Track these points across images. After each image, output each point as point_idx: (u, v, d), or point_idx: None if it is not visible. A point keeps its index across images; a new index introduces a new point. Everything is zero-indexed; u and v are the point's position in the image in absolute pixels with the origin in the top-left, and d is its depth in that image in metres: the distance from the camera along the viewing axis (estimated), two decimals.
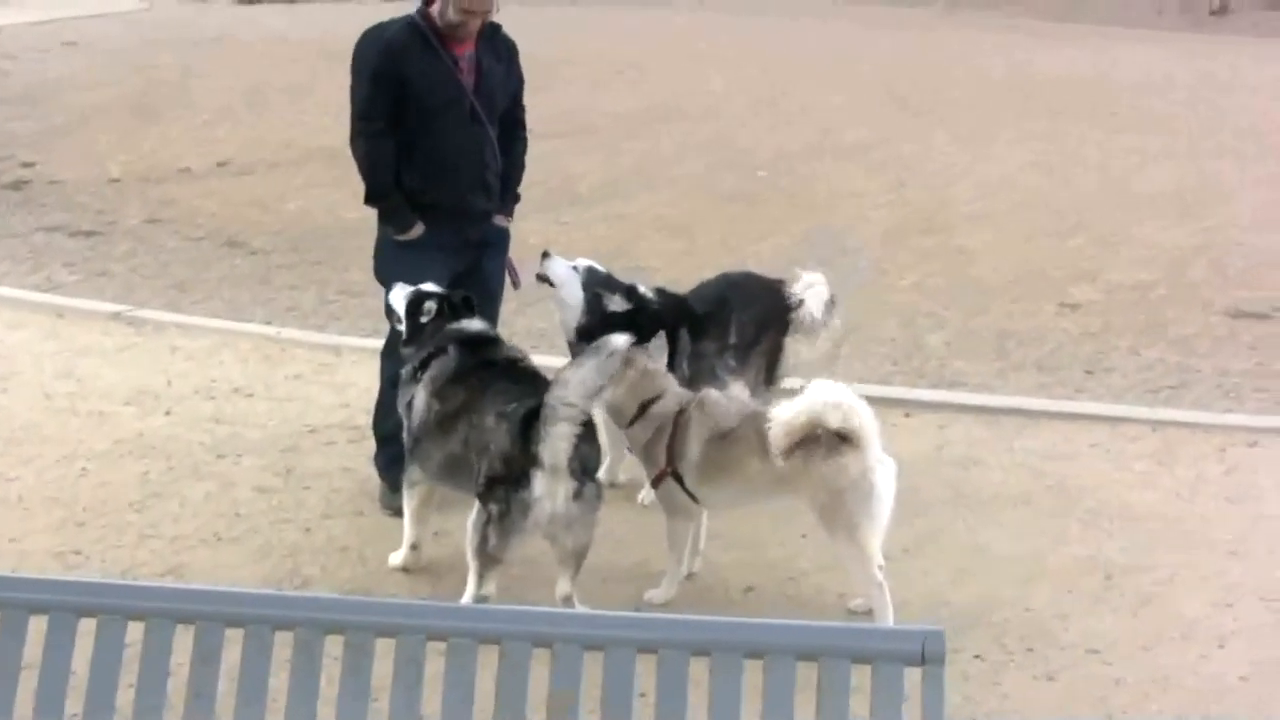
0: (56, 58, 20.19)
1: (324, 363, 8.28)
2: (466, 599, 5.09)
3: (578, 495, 5.00)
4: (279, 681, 2.96)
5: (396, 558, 5.68)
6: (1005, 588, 5.54)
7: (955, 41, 20.85)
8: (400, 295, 5.73)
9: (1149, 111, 15.40)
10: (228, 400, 7.62)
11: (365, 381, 7.05)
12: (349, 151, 6.18)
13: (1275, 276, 9.92)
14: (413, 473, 5.59)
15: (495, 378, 5.34)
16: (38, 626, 3.05)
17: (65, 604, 3.07)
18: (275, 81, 17.26)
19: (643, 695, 2.85)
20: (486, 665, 2.90)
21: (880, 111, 15.70)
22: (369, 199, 6.16)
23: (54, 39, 21.79)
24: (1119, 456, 6.93)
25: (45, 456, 6.81)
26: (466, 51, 6.03)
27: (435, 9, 5.92)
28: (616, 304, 6.19)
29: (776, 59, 18.92)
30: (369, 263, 6.39)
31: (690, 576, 5.56)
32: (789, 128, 14.93)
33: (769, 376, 6.54)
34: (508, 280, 6.45)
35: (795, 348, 6.54)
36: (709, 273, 6.84)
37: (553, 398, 4.86)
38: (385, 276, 6.12)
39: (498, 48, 6.17)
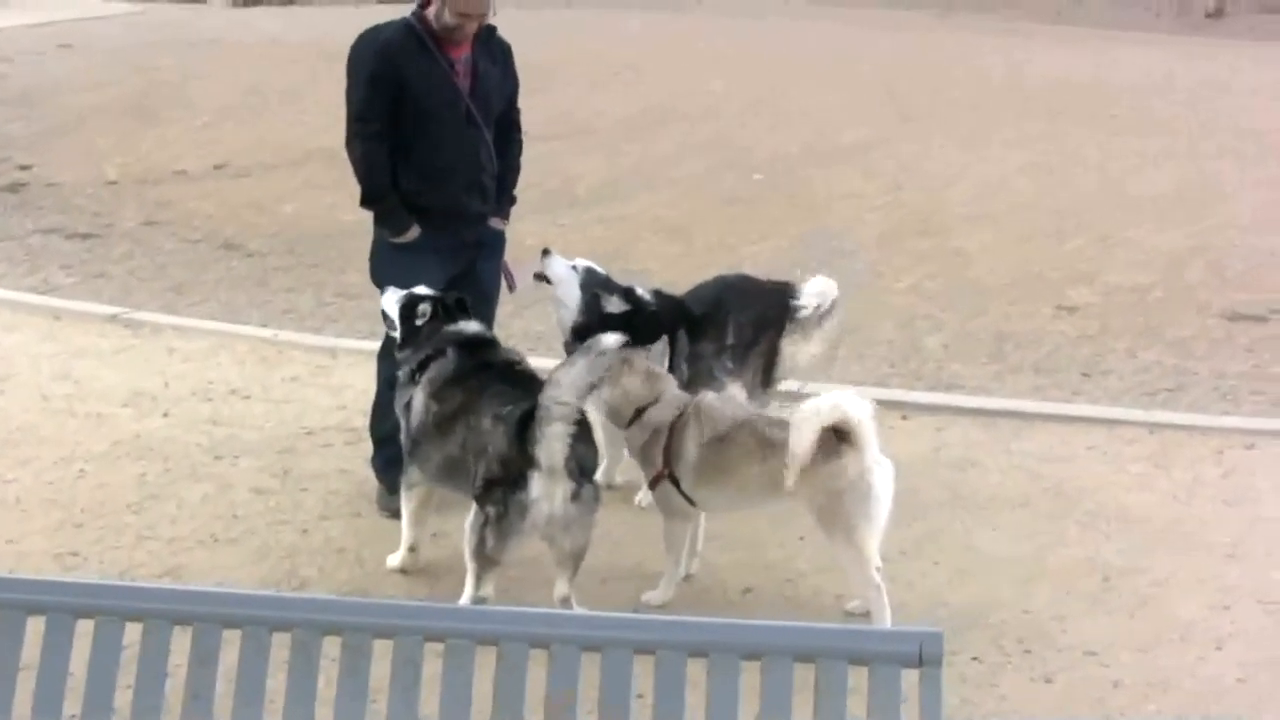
0: (52, 60, 20.18)
1: (321, 365, 8.28)
2: (464, 600, 5.09)
3: (575, 497, 5.01)
4: (277, 683, 2.96)
5: (394, 559, 5.68)
6: (1003, 590, 5.55)
7: (952, 43, 20.85)
8: (393, 299, 5.74)
9: (1147, 113, 15.40)
10: (225, 402, 7.62)
11: (362, 383, 7.05)
12: (345, 154, 6.18)
13: (1273, 279, 9.92)
14: (411, 474, 5.59)
15: (493, 380, 5.35)
16: (35, 627, 3.05)
17: (63, 605, 3.07)
18: (272, 84, 17.24)
19: (640, 696, 2.86)
20: (484, 666, 2.91)
21: (878, 113, 15.70)
22: (365, 201, 6.16)
23: (50, 41, 21.78)
24: (1116, 459, 6.93)
25: (43, 458, 6.81)
26: (462, 54, 6.02)
27: (431, 12, 5.92)
28: (614, 305, 6.20)
29: (774, 61, 18.91)
30: (366, 265, 6.39)
31: (688, 578, 5.56)
32: (787, 129, 14.92)
33: (766, 378, 6.54)
34: (503, 283, 6.45)
35: (792, 349, 6.53)
36: (706, 275, 6.84)
37: (546, 398, 4.87)
38: (381, 279, 6.12)
39: (493, 50, 6.16)
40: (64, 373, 8.06)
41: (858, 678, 2.79)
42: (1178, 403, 7.85)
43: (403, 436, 5.63)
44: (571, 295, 6.26)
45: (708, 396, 5.55)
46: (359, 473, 6.52)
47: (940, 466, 6.79)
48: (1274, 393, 7.96)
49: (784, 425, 5.10)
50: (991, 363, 8.53)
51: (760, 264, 7.04)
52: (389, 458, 6.03)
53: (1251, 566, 5.79)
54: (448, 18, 5.85)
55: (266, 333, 8.94)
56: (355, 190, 6.17)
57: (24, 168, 14.01)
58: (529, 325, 8.78)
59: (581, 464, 5.04)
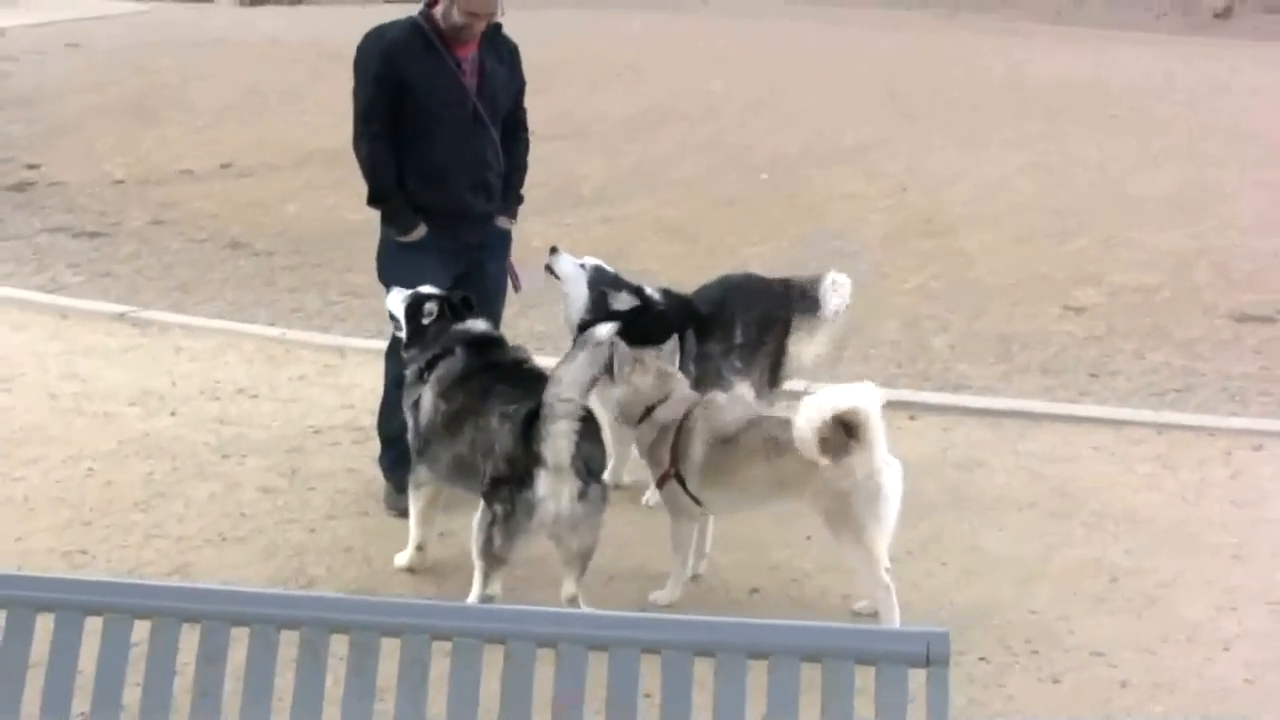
0: (59, 59, 20.22)
1: (329, 364, 8.29)
2: (472, 599, 5.10)
3: (583, 496, 5.00)
4: (284, 681, 2.96)
5: (402, 558, 5.69)
6: (1010, 590, 5.55)
7: (953, 44, 20.86)
8: (398, 299, 5.74)
9: (1147, 114, 15.40)
10: (232, 401, 7.63)
11: (370, 382, 7.06)
12: (351, 153, 6.18)
13: (1279, 280, 9.92)
14: (419, 473, 5.59)
15: (501, 378, 5.35)
16: (44, 625, 3.06)
17: (72, 603, 3.08)
18: (277, 83, 17.28)
19: (647, 696, 2.85)
20: (491, 665, 2.91)
21: (878, 114, 15.71)
22: (371, 200, 6.16)
23: (56, 41, 21.82)
24: (1124, 459, 6.93)
25: (50, 457, 6.82)
26: (469, 53, 6.02)
27: (439, 11, 5.91)
28: (621, 302, 6.20)
29: (774, 61, 18.94)
30: (372, 264, 6.39)
31: (695, 578, 5.56)
32: (787, 130, 14.94)
33: (773, 378, 6.55)
34: (509, 283, 6.45)
35: (798, 348, 6.53)
36: (709, 275, 6.84)
37: (549, 395, 4.86)
38: (387, 278, 6.13)
39: (500, 49, 6.16)
40: (71, 371, 8.07)
41: (865, 678, 2.78)
42: (1185, 403, 7.85)
43: (410, 435, 5.63)
44: (579, 293, 6.28)
45: (715, 397, 5.55)
46: (366, 471, 6.53)
47: (947, 467, 6.79)
48: None
49: (790, 426, 5.10)
50: (998, 363, 8.53)
51: (763, 264, 7.05)
52: (396, 456, 6.04)
53: (1258, 567, 5.78)
54: (456, 17, 5.84)
55: (274, 332, 8.95)
56: (361, 189, 6.18)
57: (31, 167, 14.05)
58: (534, 325, 8.79)
59: (589, 463, 5.04)
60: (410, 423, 5.61)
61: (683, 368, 6.04)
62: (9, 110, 16.65)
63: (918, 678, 2.77)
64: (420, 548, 5.67)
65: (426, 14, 5.97)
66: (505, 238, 6.39)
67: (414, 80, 5.91)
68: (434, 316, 5.60)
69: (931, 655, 2.76)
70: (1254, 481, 6.67)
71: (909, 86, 17.06)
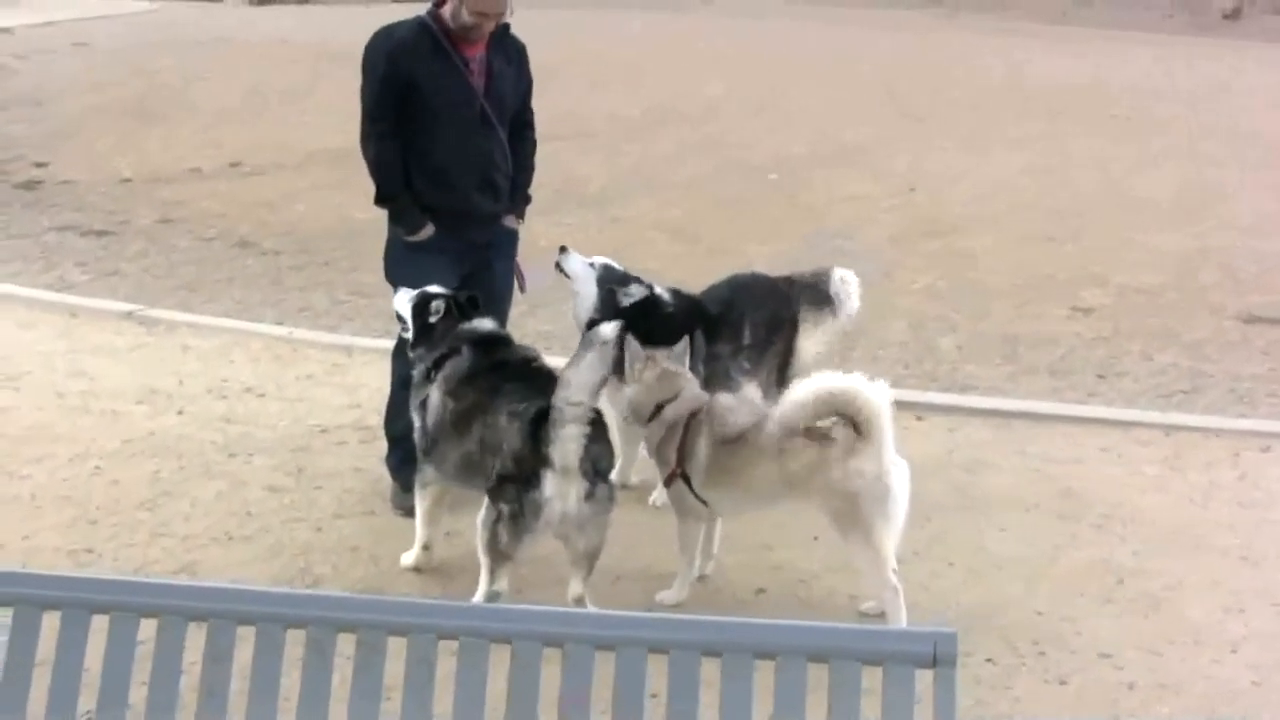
0: (66, 59, 20.27)
1: (336, 363, 8.29)
2: (479, 596, 5.09)
3: (590, 496, 4.99)
4: (290, 680, 2.96)
5: (408, 558, 5.69)
6: (1016, 591, 5.54)
7: (955, 44, 20.86)
8: (405, 298, 5.74)
9: (1151, 115, 15.41)
10: (239, 400, 7.63)
11: (377, 382, 7.06)
12: (359, 152, 6.18)
13: None
14: (426, 473, 5.59)
15: (509, 377, 5.34)
16: (51, 623, 3.06)
17: (78, 601, 3.07)
18: (283, 82, 17.31)
19: (654, 696, 2.85)
20: (498, 665, 2.91)
21: (880, 114, 15.73)
22: (379, 200, 6.16)
23: (64, 40, 21.86)
24: (1131, 461, 6.92)
25: (57, 455, 6.82)
26: (477, 53, 6.00)
27: (447, 11, 5.90)
28: (629, 301, 6.19)
29: (775, 62, 18.96)
30: (379, 264, 6.39)
31: (702, 578, 5.56)
32: (788, 130, 14.95)
33: (780, 378, 6.54)
34: (515, 283, 6.45)
35: (805, 343, 6.53)
36: (712, 275, 6.83)
37: (558, 399, 4.85)
38: (394, 277, 6.12)
39: (508, 49, 6.14)
40: (78, 370, 8.08)
41: (871, 678, 2.78)
42: (1193, 405, 7.84)
43: (417, 435, 5.62)
44: (588, 291, 6.28)
45: (720, 397, 5.53)
46: (373, 471, 6.53)
47: (954, 467, 6.78)
48: None
49: (794, 426, 5.09)
50: (1005, 364, 8.52)
51: (767, 265, 7.03)
52: (403, 456, 6.03)
53: (1266, 569, 5.77)
54: (465, 17, 5.83)
55: (281, 331, 8.96)
56: (368, 189, 6.18)
57: (39, 165, 14.07)
58: (541, 325, 8.79)
59: (596, 464, 5.03)
60: (417, 422, 5.60)
61: (691, 368, 6.03)
62: (17, 109, 16.69)
63: (924, 678, 2.76)
64: (426, 547, 5.67)
65: (434, 13, 5.96)
66: (512, 237, 6.39)
67: (422, 80, 5.90)
68: (440, 315, 5.59)
69: (938, 656, 2.75)
70: (1262, 483, 6.66)
71: (910, 87, 17.08)
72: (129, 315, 9.20)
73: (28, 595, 3.09)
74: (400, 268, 6.08)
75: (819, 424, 4.99)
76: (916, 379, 8.23)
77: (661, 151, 14.04)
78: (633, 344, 5.41)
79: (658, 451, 5.46)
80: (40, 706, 2.99)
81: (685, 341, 5.71)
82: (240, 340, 8.71)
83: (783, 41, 20.57)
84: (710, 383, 5.99)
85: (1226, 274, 10.26)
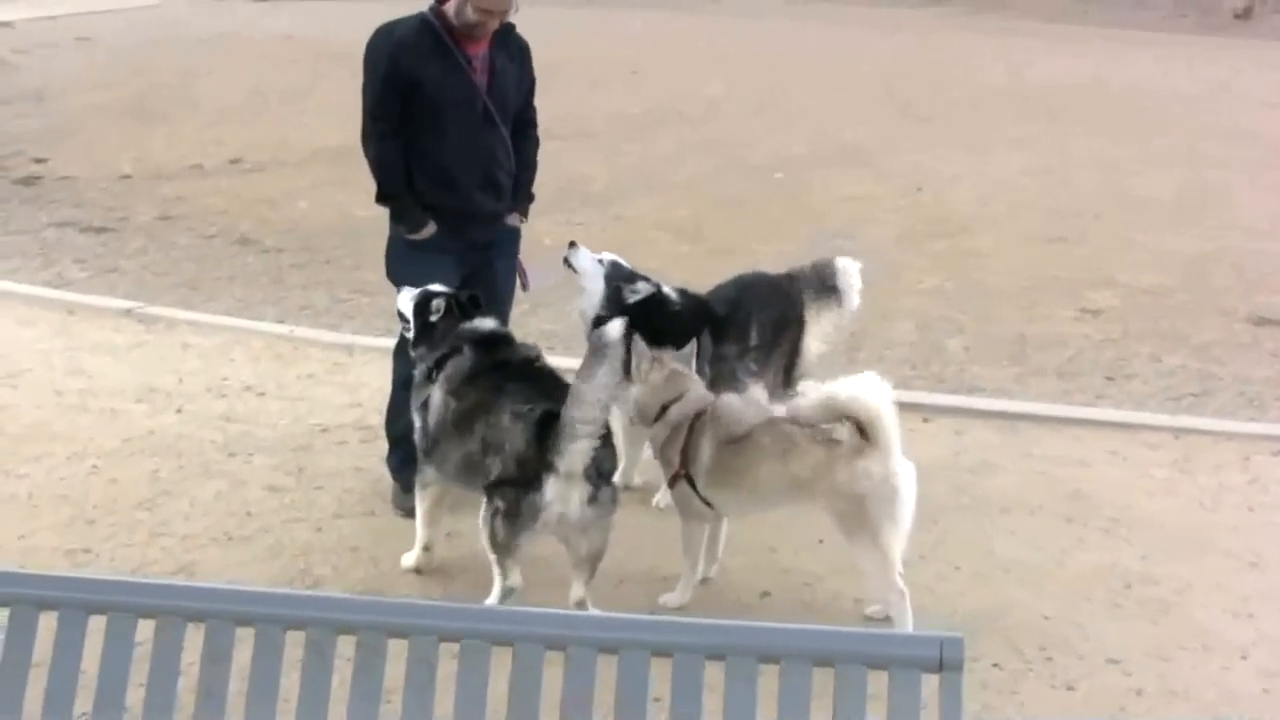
0: (68, 54, 20.28)
1: (337, 362, 8.29)
2: (495, 593, 5.09)
3: (592, 500, 4.98)
4: (290, 681, 2.96)
5: (409, 558, 5.68)
6: (1023, 595, 5.53)
7: (957, 44, 20.87)
8: (408, 298, 5.73)
9: (1155, 115, 15.41)
10: (239, 399, 7.63)
11: (378, 381, 7.05)
12: (361, 150, 6.17)
13: None
14: (426, 474, 5.58)
15: (512, 377, 5.33)
16: (47, 623, 3.05)
17: (75, 601, 3.07)
18: (286, 78, 17.32)
19: (657, 699, 2.84)
20: (499, 667, 2.90)
21: (881, 114, 15.74)
22: (380, 198, 6.15)
23: (65, 34, 21.88)
24: (1139, 464, 6.91)
25: (55, 454, 6.82)
26: (480, 51, 5.98)
27: (450, 8, 5.87)
28: (635, 299, 6.19)
29: (775, 61, 18.97)
30: (381, 262, 6.39)
31: (705, 581, 5.55)
32: (789, 131, 14.98)
33: (786, 378, 6.55)
34: (518, 281, 6.44)
35: (811, 338, 6.54)
36: (716, 275, 6.83)
37: (570, 415, 4.82)
38: (396, 276, 6.12)
39: (510, 48, 6.12)
40: (77, 368, 8.08)
41: (877, 682, 2.77)
42: (1203, 408, 7.83)
43: (417, 436, 5.61)
44: (595, 288, 6.28)
45: (725, 398, 5.53)
46: (374, 471, 6.53)
47: (960, 470, 6.77)
48: None
49: (799, 427, 5.09)
50: (1013, 365, 8.51)
51: (770, 264, 7.02)
52: (404, 456, 6.03)
53: (1276, 574, 5.76)
54: (470, 14, 5.81)
55: (282, 329, 8.95)
56: (370, 187, 6.17)
57: (39, 161, 14.08)
58: (543, 324, 8.79)
59: (599, 467, 5.02)
60: (418, 423, 5.59)
61: (698, 369, 6.03)
62: (17, 104, 16.71)
63: (930, 683, 2.75)
64: (427, 548, 5.66)
65: (437, 10, 5.94)
66: (515, 236, 6.38)
67: (424, 78, 5.88)
68: (441, 314, 5.58)
69: (945, 660, 2.75)
70: (1272, 487, 6.65)
71: (911, 87, 17.11)
72: (128, 313, 9.20)
73: (24, 595, 3.08)
74: (401, 267, 6.07)
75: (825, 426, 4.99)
76: (923, 380, 8.22)
77: (663, 151, 14.05)
78: (639, 344, 5.40)
79: (662, 452, 5.45)
80: (36, 708, 2.99)
81: (693, 344, 5.72)
82: (241, 338, 8.71)
83: (783, 41, 20.59)
84: (717, 384, 5.98)
85: (1236, 275, 10.25)
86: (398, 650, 2.95)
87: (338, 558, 5.81)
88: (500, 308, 6.15)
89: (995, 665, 4.96)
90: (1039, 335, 9.02)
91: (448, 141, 5.96)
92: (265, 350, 8.50)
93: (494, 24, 5.91)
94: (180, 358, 8.35)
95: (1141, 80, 17.31)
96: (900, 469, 4.94)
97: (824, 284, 6.56)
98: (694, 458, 5.30)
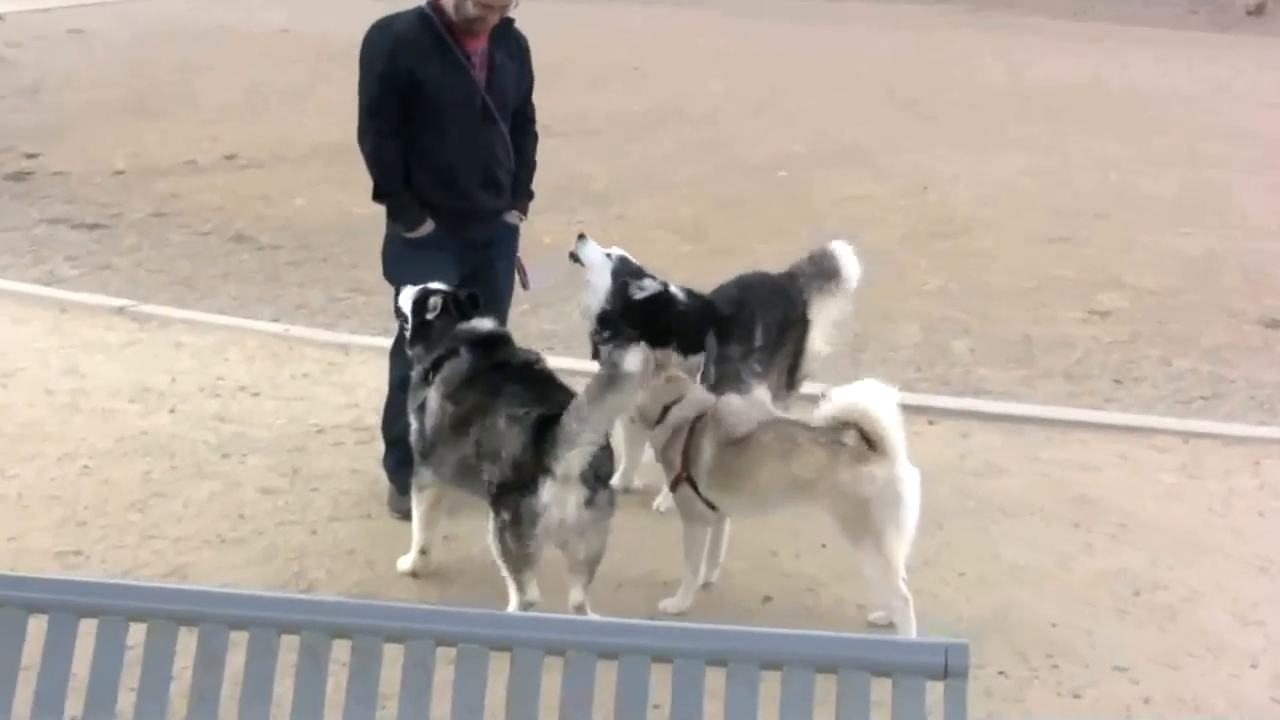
0: (62, 46, 20.28)
1: (333, 362, 8.28)
2: (512, 609, 5.05)
3: (590, 502, 4.98)
4: (284, 687, 2.95)
5: (405, 562, 5.68)
6: (1029, 601, 5.53)
7: (958, 43, 20.89)
8: (408, 296, 5.72)
9: (1161, 115, 15.42)
10: (233, 399, 7.63)
11: (374, 381, 7.05)
12: (357, 147, 6.16)
13: None
14: (423, 476, 5.57)
15: (509, 380, 5.32)
16: (37, 627, 3.05)
17: (66, 604, 3.06)
18: (285, 74, 17.32)
19: (657, 706, 2.84)
20: (497, 673, 2.90)
21: (882, 114, 15.76)
22: (377, 196, 6.14)
23: (58, 26, 21.88)
24: (1148, 468, 6.90)
25: (46, 454, 6.82)
26: (479, 47, 5.97)
27: (449, 2, 5.85)
28: (642, 294, 6.17)
29: (776, 59, 19.00)
30: (379, 260, 6.39)
31: (706, 586, 5.54)
32: (790, 130, 14.99)
33: (790, 380, 6.56)
34: (517, 280, 6.44)
35: (818, 326, 6.55)
36: (718, 276, 6.83)
37: (570, 428, 4.82)
38: (393, 275, 6.12)
39: (510, 44, 6.11)
40: (69, 367, 8.07)
41: (881, 689, 2.77)
42: (1213, 411, 7.82)
43: (413, 438, 5.61)
44: (602, 282, 6.25)
45: (726, 399, 5.52)
46: (370, 473, 6.52)
47: (965, 474, 6.76)
48: None
49: (803, 428, 5.09)
50: (1019, 368, 8.50)
51: (772, 264, 7.02)
52: (401, 458, 6.03)
53: None
54: (470, 9, 5.80)
55: (277, 328, 8.94)
56: (368, 184, 6.16)
57: (30, 156, 14.07)
58: (544, 324, 8.79)
59: (597, 469, 5.01)
60: (414, 425, 5.59)
61: (704, 370, 6.04)
62: (10, 99, 16.71)
63: (935, 690, 2.75)
64: (424, 551, 5.66)
65: (435, 5, 5.93)
66: (514, 234, 6.37)
67: (423, 76, 5.86)
68: (438, 313, 5.57)
69: (950, 667, 2.74)
70: None
71: (913, 86, 17.14)
72: (121, 311, 9.19)
73: (14, 598, 3.08)
74: (400, 266, 6.07)
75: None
76: (928, 382, 8.21)
77: (664, 150, 14.06)
78: (644, 350, 5.41)
79: (664, 455, 5.45)
80: (25, 711, 2.98)
81: (705, 348, 5.72)
82: (235, 337, 8.70)
83: (784, 38, 20.61)
84: (720, 385, 5.98)
85: (1246, 277, 10.24)
86: (394, 655, 2.94)
87: (333, 561, 5.81)
88: (499, 306, 6.15)
89: (1001, 672, 4.96)
90: (1045, 337, 9.02)
91: (447, 139, 5.95)
92: (260, 349, 8.49)
93: (494, 19, 5.90)
94: (174, 357, 8.34)
95: (1143, 79, 17.34)
96: (905, 474, 4.94)
97: (823, 273, 6.58)
98: (695, 459, 5.30)
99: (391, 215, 6.16)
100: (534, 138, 6.38)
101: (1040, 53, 19.92)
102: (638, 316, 6.11)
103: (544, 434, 4.91)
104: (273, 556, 5.84)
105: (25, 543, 5.90)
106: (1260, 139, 14.61)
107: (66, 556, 5.79)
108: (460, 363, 5.45)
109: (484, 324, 5.61)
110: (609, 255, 6.32)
